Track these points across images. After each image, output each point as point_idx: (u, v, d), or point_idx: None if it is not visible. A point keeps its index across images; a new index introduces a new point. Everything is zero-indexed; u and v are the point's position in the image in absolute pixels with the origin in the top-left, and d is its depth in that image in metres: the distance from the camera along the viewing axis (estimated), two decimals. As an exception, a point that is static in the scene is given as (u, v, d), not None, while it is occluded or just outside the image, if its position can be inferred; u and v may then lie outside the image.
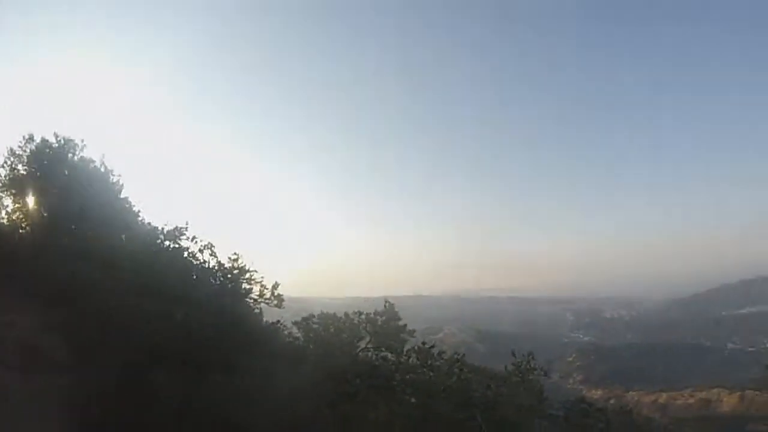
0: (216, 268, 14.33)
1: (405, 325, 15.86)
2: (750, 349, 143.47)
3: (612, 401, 70.99)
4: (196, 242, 14.40)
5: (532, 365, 13.39)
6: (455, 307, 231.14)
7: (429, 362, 14.03)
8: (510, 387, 13.01)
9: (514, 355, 13.60)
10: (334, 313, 16.15)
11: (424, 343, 14.66)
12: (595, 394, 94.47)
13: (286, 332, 15.61)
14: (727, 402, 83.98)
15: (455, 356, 14.06)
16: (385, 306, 15.96)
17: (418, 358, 14.02)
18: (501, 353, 39.51)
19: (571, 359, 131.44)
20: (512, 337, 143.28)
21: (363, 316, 15.47)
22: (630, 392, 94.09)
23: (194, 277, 13.94)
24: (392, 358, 14.86)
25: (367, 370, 13.68)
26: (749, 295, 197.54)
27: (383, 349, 15.20)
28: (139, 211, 14.91)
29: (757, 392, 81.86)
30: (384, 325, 15.46)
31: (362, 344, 15.41)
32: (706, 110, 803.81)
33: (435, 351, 14.16)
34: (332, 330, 15.29)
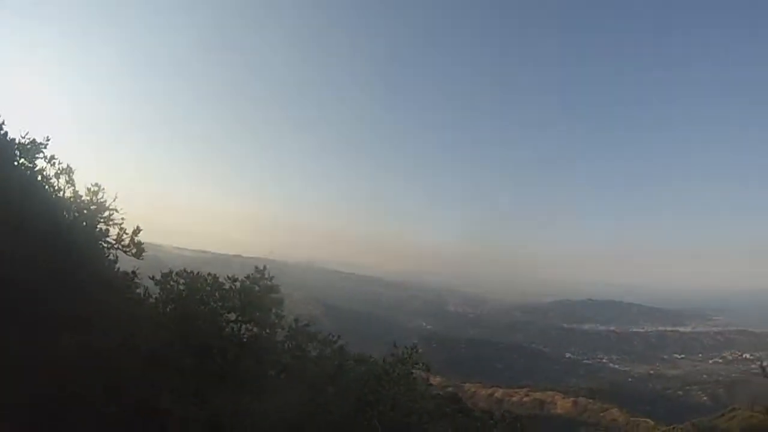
0: (72, 198, 17.22)
1: (282, 299, 20.86)
2: (586, 361, 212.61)
3: (450, 389, 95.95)
4: (53, 164, 17.18)
5: (414, 358, 17.87)
6: (303, 276, 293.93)
7: (305, 345, 18.97)
8: (402, 385, 17.11)
9: (395, 345, 17.93)
10: (201, 274, 20.27)
11: (297, 320, 19.64)
12: (434, 380, 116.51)
13: (141, 288, 19.29)
14: (561, 405, 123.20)
15: (331, 338, 18.79)
16: (259, 271, 20.74)
17: (293, 339, 18.93)
18: (347, 330, 66.78)
19: (413, 343, 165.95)
20: (358, 316, 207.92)
21: (237, 283, 19.99)
22: (467, 383, 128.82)
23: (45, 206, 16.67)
24: (265, 335, 19.10)
25: (235, 347, 17.62)
26: (592, 313, 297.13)
27: (253, 324, 19.42)
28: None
29: (590, 400, 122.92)
30: (260, 295, 19.97)
31: (232, 316, 19.34)
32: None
33: (310, 331, 19.06)
34: (198, 296, 19.07)
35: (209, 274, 20.14)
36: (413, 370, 18.74)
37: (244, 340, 18.72)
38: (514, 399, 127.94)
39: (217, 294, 19.29)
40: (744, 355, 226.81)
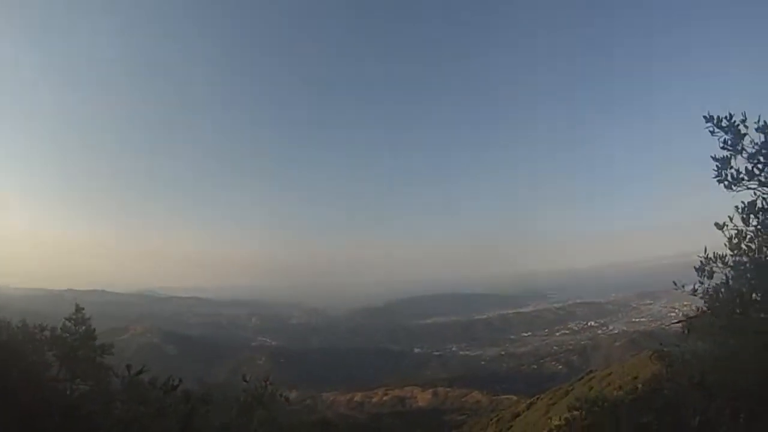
0: None
1: (103, 346, 18.20)
2: (436, 353, 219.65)
3: (308, 402, 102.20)
4: None
5: (270, 390, 14.71)
6: (141, 305, 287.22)
7: (144, 397, 14.55)
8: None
9: (245, 380, 14.76)
10: (9, 322, 17.83)
11: (129, 367, 14.89)
12: (291, 395, 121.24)
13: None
14: (422, 398, 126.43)
15: (172, 382, 14.33)
16: (75, 314, 18.09)
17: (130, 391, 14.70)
18: (192, 355, 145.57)
19: (261, 362, 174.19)
20: (201, 340, 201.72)
21: (47, 332, 17.71)
22: (324, 393, 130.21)
23: None
24: (95, 392, 16.34)
25: (63, 409, 14.56)
26: (432, 308, 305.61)
27: (80, 380, 16.96)
28: None
29: (448, 389, 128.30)
30: (77, 345, 17.54)
31: (54, 371, 16.93)
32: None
33: (145, 379, 14.58)
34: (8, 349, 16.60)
35: (23, 323, 17.48)
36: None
37: (71, 400, 15.88)
38: (375, 400, 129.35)
39: (29, 345, 17.27)
40: (589, 323, 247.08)
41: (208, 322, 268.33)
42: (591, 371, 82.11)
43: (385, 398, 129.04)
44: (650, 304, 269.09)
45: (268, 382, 16.68)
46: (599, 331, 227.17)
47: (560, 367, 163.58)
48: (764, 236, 5.65)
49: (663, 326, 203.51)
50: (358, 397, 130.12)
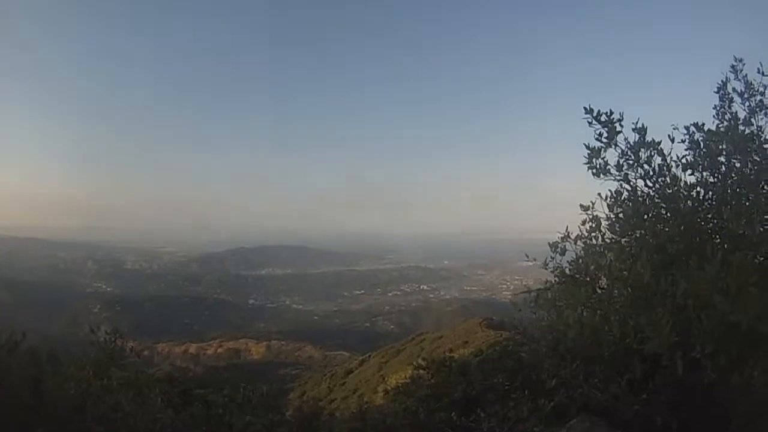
0: None
1: None
2: (270, 305, 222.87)
3: (146, 352, 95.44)
4: None
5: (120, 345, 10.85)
6: None
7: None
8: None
9: (93, 331, 10.17)
10: None
11: None
12: (126, 346, 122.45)
13: None
14: (256, 351, 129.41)
15: (15, 339, 8.89)
16: None
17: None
18: (27, 303, 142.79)
19: (96, 310, 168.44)
20: (39, 286, 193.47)
21: None
22: (160, 343, 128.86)
23: None
24: None
25: None
26: (268, 259, 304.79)
27: None
28: None
29: (282, 342, 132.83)
30: None
31: None
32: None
33: None
34: None
35: None
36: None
37: None
38: (209, 352, 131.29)
39: None
40: (421, 287, 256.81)
41: (44, 266, 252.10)
42: (422, 333, 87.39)
43: (219, 350, 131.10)
44: (482, 274, 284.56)
45: (117, 336, 14.23)
46: (431, 295, 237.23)
47: (392, 327, 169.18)
48: (623, 223, 6.33)
49: (493, 296, 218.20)
50: (192, 348, 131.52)
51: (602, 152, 6.69)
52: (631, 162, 6.57)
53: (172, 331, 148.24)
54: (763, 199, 5.91)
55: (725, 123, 6.88)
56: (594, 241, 7.04)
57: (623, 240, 6.55)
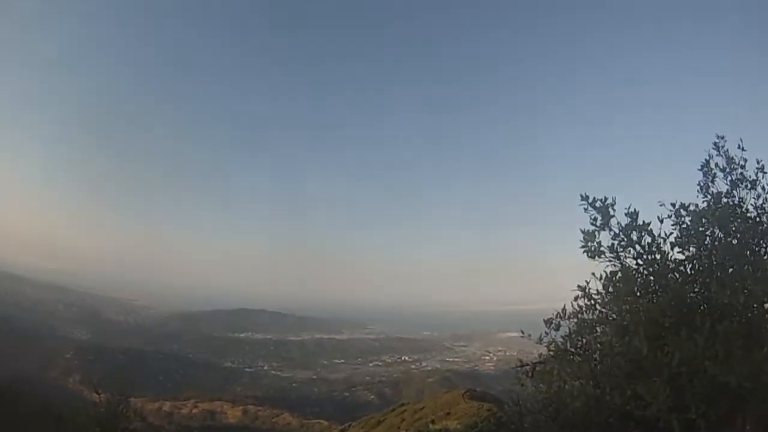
0: None
1: None
2: (248, 369, 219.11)
3: (119, 407, 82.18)
4: None
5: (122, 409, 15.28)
6: None
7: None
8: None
9: (97, 392, 15.46)
10: None
11: None
12: (96, 397, 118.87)
13: None
14: (232, 414, 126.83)
15: None
16: None
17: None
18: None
19: (69, 356, 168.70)
20: (8, 321, 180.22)
21: None
22: (132, 398, 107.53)
23: None
24: None
25: None
26: (248, 323, 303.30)
27: None
28: None
29: (259, 407, 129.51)
30: None
31: None
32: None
33: None
34: None
35: None
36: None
37: None
38: (183, 411, 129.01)
39: None
40: (403, 357, 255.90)
41: (10, 302, 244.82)
42: (403, 404, 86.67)
43: (194, 411, 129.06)
44: (464, 346, 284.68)
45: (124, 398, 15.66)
46: (412, 366, 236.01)
47: (372, 397, 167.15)
48: (617, 300, 6.74)
49: (476, 368, 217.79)
50: (167, 406, 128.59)
51: (597, 235, 7.30)
52: (624, 243, 7.18)
53: (146, 387, 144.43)
54: (745, 268, 6.44)
55: (709, 197, 7.67)
56: (587, 317, 7.69)
57: (616, 316, 7.17)
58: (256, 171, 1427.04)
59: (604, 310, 7.49)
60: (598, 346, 7.25)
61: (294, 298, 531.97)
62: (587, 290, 7.53)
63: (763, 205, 7.40)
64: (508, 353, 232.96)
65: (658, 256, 7.06)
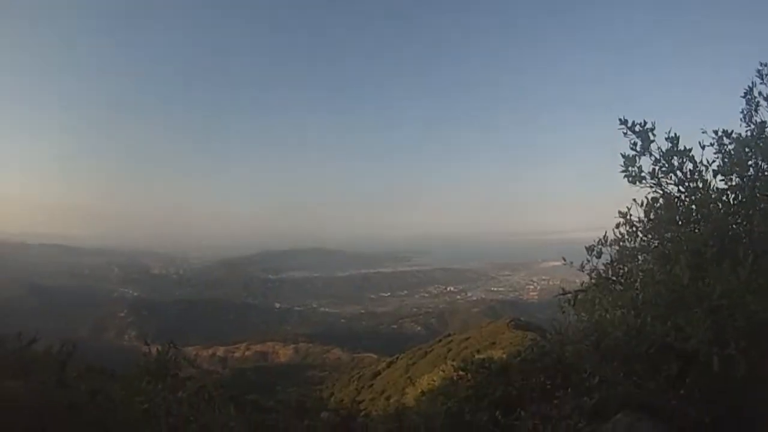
0: None
1: None
2: (297, 308, 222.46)
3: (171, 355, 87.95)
4: None
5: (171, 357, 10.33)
6: (12, 255, 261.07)
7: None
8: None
9: (147, 343, 9.82)
10: None
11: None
12: (153, 350, 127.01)
13: None
14: (283, 353, 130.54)
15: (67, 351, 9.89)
16: None
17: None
18: (54, 309, 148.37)
19: (123, 314, 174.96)
20: (64, 292, 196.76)
21: None
22: (187, 347, 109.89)
23: None
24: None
25: None
26: (296, 262, 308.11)
27: None
28: None
29: (309, 344, 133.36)
30: None
31: None
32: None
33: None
34: None
35: None
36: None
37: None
38: (237, 355, 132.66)
39: None
40: (448, 288, 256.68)
41: (70, 272, 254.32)
42: (449, 334, 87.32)
43: (247, 353, 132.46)
44: (509, 275, 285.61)
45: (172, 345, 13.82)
46: (458, 297, 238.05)
47: (419, 328, 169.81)
48: (659, 227, 6.55)
49: (520, 297, 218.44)
50: (220, 351, 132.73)
51: (637, 160, 6.84)
52: (665, 169, 6.75)
53: (199, 335, 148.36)
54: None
55: (752, 127, 7.09)
56: (629, 245, 7.24)
57: (657, 243, 6.81)
58: (279, 125, 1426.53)
59: (645, 238, 7.11)
60: (640, 274, 6.82)
61: (340, 235, 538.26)
62: (628, 217, 7.19)
63: None
64: (551, 282, 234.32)
65: (700, 184, 6.64)
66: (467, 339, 74.44)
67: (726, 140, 6.80)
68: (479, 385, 7.87)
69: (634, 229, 7.20)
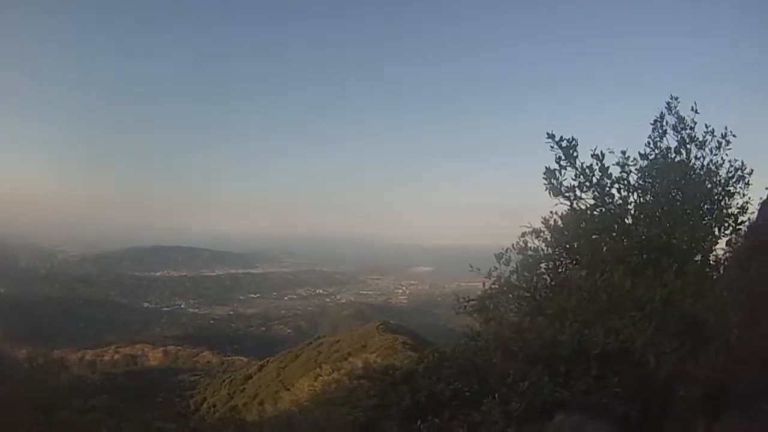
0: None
1: None
2: (165, 308, 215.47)
3: (40, 360, 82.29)
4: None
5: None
6: None
7: None
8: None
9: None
10: None
11: None
12: (20, 353, 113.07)
13: None
14: (153, 356, 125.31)
15: None
16: None
17: None
18: None
19: None
20: None
21: None
22: (56, 350, 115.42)
23: None
24: None
25: None
26: (163, 260, 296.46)
27: None
28: None
29: (179, 347, 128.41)
30: None
31: None
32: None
33: None
34: None
35: None
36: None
37: None
38: (106, 359, 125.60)
39: None
40: (317, 291, 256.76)
41: None
42: (319, 337, 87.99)
43: (116, 357, 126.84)
44: (378, 278, 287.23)
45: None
46: (327, 299, 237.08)
47: (288, 331, 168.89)
48: (585, 239, 6.85)
49: (389, 300, 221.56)
50: (89, 355, 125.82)
51: (560, 174, 7.20)
52: (587, 184, 7.14)
53: (68, 336, 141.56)
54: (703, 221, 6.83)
55: (657, 151, 7.66)
56: (536, 254, 7.61)
57: (580, 255, 7.13)
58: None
59: (549, 249, 7.49)
60: (545, 280, 7.38)
61: (207, 233, 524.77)
62: (544, 225, 7.59)
63: (709, 166, 7.49)
64: (420, 287, 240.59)
65: (619, 200, 7.09)
66: (338, 342, 75.01)
67: (640, 162, 7.44)
68: (383, 394, 7.71)
69: (541, 238, 7.56)
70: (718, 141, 7.41)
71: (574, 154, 7.10)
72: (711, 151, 7.42)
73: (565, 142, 7.06)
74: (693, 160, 7.45)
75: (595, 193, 7.12)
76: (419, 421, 6.63)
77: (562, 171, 7.20)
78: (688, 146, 7.49)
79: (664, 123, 7.67)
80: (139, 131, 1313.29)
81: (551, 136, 7.02)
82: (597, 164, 7.12)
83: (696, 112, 7.44)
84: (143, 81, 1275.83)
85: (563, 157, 7.13)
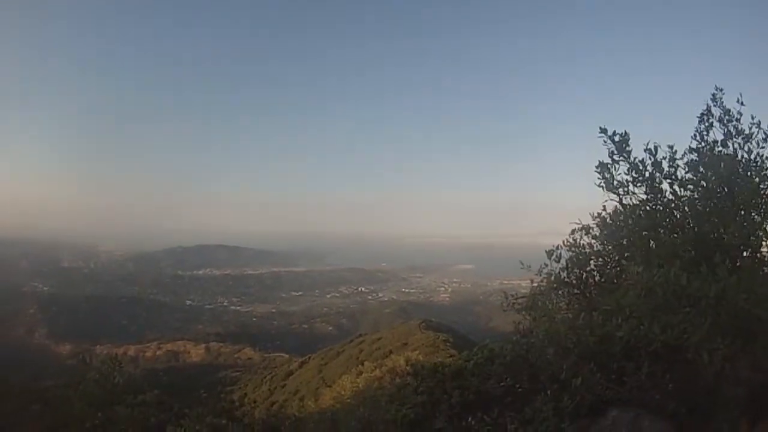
0: None
1: None
2: (208, 306, 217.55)
3: (81, 356, 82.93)
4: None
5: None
6: None
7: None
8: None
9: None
10: None
11: None
12: (64, 349, 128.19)
13: None
14: (195, 353, 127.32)
15: None
16: None
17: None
18: None
19: (33, 311, 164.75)
20: None
21: None
22: (98, 346, 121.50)
23: None
24: None
25: None
26: (205, 259, 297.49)
27: None
28: None
29: (221, 344, 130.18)
30: None
31: None
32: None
33: None
34: None
35: None
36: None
37: None
38: (148, 354, 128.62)
39: None
40: (359, 288, 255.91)
41: None
42: (361, 335, 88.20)
43: (158, 353, 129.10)
44: (420, 276, 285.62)
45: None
46: (369, 297, 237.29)
47: (330, 328, 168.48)
48: (638, 234, 6.81)
49: (431, 298, 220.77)
50: (131, 351, 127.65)
51: (613, 168, 7.13)
52: (640, 179, 7.03)
53: (110, 333, 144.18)
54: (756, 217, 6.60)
55: (703, 145, 7.42)
56: (586, 250, 7.53)
57: (638, 248, 6.96)
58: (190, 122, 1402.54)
59: (599, 245, 7.43)
60: (595, 277, 7.31)
61: (249, 233, 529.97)
62: (595, 222, 7.52)
63: (756, 159, 7.22)
64: (462, 285, 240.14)
65: (670, 195, 6.99)
66: (379, 339, 74.57)
67: (678, 156, 7.23)
68: (431, 391, 7.65)
69: (590, 234, 7.51)
70: (765, 133, 7.22)
71: (627, 148, 7.05)
72: (758, 144, 7.20)
73: (618, 136, 7.02)
74: (740, 153, 7.22)
75: (647, 188, 7.04)
76: (470, 418, 6.52)
77: (615, 165, 7.15)
78: (734, 139, 7.28)
79: (711, 116, 7.50)
80: (174, 133, 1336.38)
81: (604, 131, 7.04)
82: (650, 158, 7.03)
83: (742, 104, 7.22)
84: (179, 82, 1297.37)
85: (616, 152, 7.08)
